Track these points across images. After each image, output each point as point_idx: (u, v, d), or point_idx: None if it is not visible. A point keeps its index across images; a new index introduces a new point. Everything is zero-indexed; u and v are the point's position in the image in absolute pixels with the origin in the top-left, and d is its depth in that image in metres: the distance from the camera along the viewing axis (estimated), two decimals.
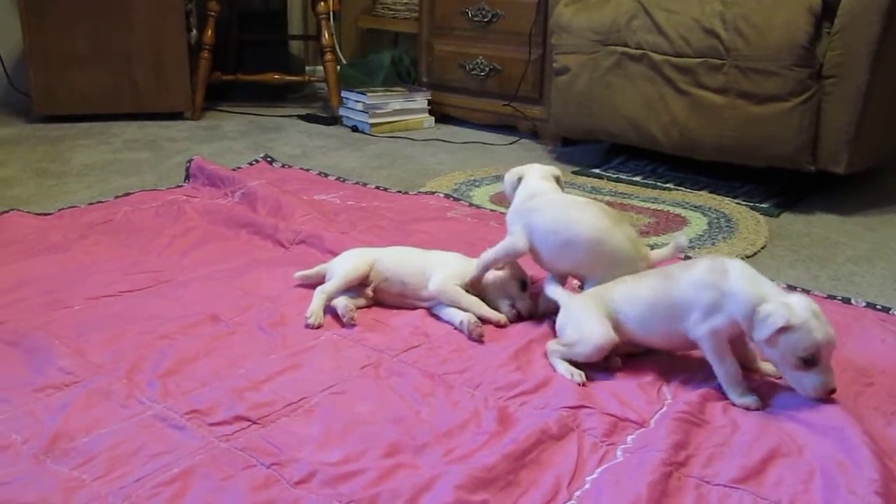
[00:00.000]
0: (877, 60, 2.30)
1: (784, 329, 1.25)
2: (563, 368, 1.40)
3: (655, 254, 1.58)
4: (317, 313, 1.57)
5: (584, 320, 1.44)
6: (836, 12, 2.32)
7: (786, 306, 1.27)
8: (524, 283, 1.64)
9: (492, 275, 1.64)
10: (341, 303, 1.60)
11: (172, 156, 2.92)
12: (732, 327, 1.34)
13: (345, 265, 1.67)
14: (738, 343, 1.38)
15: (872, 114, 2.39)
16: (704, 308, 1.34)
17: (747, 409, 1.32)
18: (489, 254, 1.62)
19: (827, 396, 1.29)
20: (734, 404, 1.33)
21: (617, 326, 1.43)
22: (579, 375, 1.38)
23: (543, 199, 1.61)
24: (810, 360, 1.27)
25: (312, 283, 1.70)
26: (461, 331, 1.56)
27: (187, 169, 2.49)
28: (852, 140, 2.38)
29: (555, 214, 1.57)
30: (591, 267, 1.55)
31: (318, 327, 1.55)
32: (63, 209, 2.23)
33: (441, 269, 1.65)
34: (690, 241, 2.15)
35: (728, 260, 1.37)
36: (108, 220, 2.14)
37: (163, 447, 1.16)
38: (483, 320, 1.57)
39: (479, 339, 1.53)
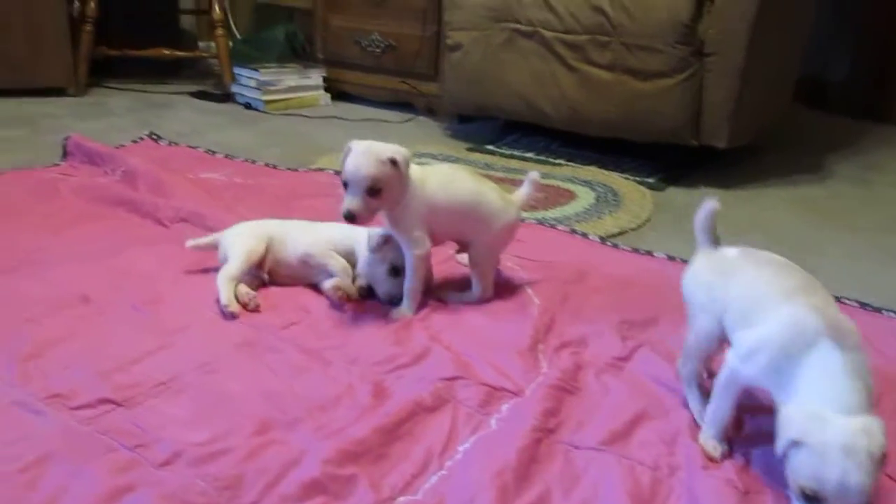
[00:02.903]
0: (754, 38, 2.38)
1: (795, 443, 0.97)
2: (711, 446, 1.16)
3: (517, 196, 1.63)
4: (232, 300, 1.50)
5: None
6: None
7: (817, 419, 0.97)
8: (396, 269, 1.57)
9: (363, 257, 1.60)
10: (241, 289, 1.54)
11: (50, 133, 2.77)
12: (753, 385, 1.14)
13: (242, 246, 1.60)
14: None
15: (751, 90, 2.47)
16: (753, 347, 1.10)
17: (707, 453, 1.14)
18: (413, 284, 1.52)
19: None
20: (699, 439, 1.17)
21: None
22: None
23: (430, 182, 1.53)
24: (811, 498, 0.95)
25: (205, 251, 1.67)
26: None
27: (64, 147, 2.38)
28: (732, 115, 2.46)
29: (449, 191, 1.54)
30: (476, 228, 1.57)
31: (237, 315, 1.48)
32: None
33: (315, 236, 1.63)
34: (577, 215, 2.19)
35: (829, 344, 1.02)
36: None
37: (17, 434, 1.11)
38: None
39: (341, 304, 1.51)
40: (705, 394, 1.23)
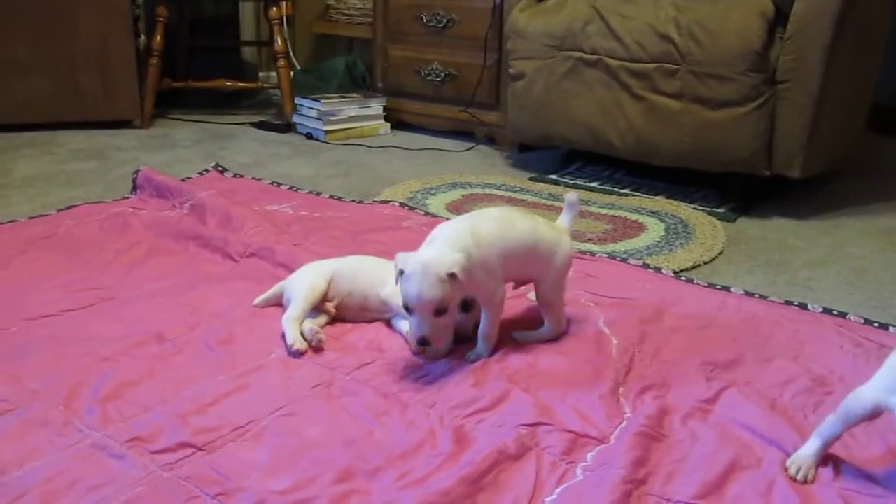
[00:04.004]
0: (829, 65, 2.31)
1: None
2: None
3: (562, 223, 1.59)
4: (297, 339, 1.49)
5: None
6: (789, 18, 2.33)
7: None
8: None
9: None
10: (306, 326, 1.53)
11: (120, 166, 2.83)
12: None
13: (301, 285, 1.60)
14: None
15: (826, 118, 2.40)
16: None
17: (794, 475, 1.17)
18: (489, 329, 1.48)
19: None
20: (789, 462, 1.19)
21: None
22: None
23: (486, 232, 1.45)
24: None
25: (274, 304, 1.66)
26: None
27: (134, 180, 2.42)
28: (806, 144, 2.38)
29: (508, 237, 1.48)
30: (539, 266, 1.53)
31: (306, 352, 1.47)
32: (2, 223, 2.14)
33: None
34: (648, 248, 2.14)
35: None
36: (49, 234, 2.06)
37: (101, 479, 1.10)
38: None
39: (416, 352, 1.48)
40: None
